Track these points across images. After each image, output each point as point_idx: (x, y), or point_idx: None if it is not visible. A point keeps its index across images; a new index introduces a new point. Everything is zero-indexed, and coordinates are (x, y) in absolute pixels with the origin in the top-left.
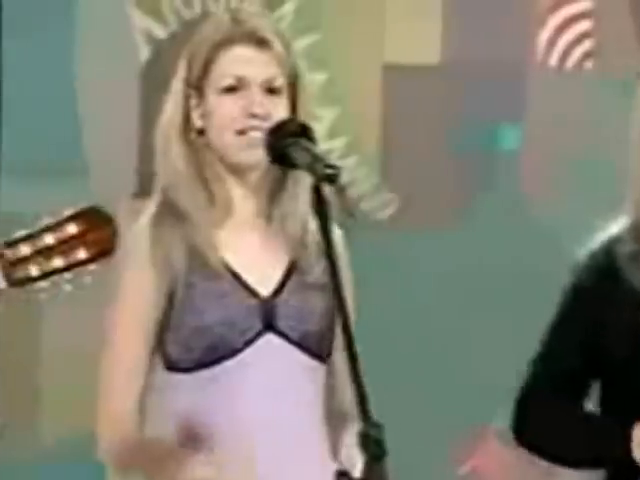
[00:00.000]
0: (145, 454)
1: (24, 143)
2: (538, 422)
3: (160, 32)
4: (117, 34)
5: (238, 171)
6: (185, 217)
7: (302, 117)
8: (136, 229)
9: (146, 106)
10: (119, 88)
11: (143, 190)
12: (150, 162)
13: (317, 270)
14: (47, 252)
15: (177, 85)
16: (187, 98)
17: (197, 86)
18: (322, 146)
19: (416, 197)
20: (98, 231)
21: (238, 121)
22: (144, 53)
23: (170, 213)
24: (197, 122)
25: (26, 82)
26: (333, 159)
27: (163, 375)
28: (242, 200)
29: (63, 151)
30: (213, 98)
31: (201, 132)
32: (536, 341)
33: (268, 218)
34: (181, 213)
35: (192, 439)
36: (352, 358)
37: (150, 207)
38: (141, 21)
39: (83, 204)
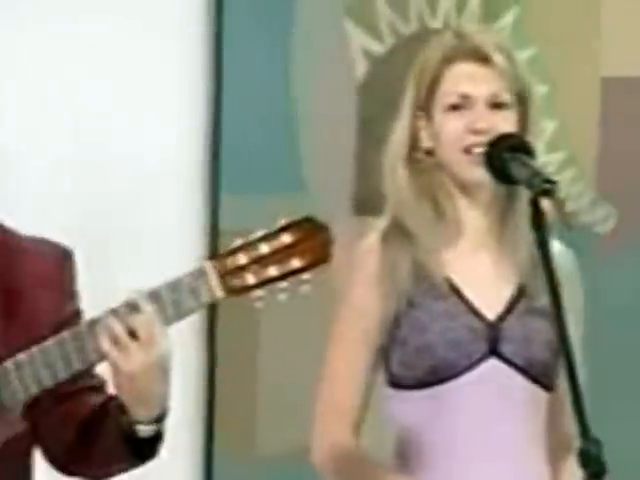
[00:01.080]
0: (357, 465)
1: (243, 161)
2: None
3: (377, 48)
4: (334, 50)
5: (468, 190)
6: (413, 236)
7: (532, 131)
8: (365, 246)
9: (364, 122)
10: (337, 104)
11: (361, 207)
12: (368, 179)
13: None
14: (262, 261)
15: (406, 106)
16: (415, 119)
17: (425, 106)
18: (541, 159)
19: (633, 211)
20: (312, 240)
21: (463, 138)
22: (361, 69)
23: (399, 232)
24: (426, 142)
25: (245, 100)
26: (551, 173)
27: (385, 390)
28: (473, 220)
29: (281, 168)
30: (439, 117)
31: (430, 152)
32: None
33: (499, 239)
34: (409, 232)
35: (404, 456)
36: (571, 374)
37: (380, 225)
38: (357, 36)
39: None
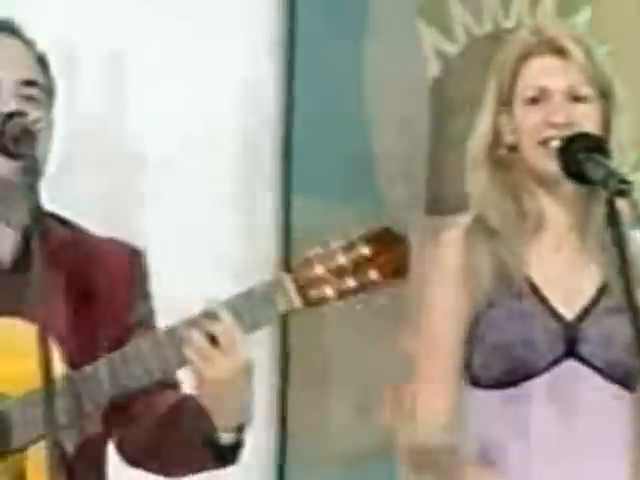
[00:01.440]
0: (443, 460)
1: (314, 161)
2: None
3: (449, 48)
4: (407, 50)
5: (550, 186)
6: (495, 233)
7: (614, 127)
8: (446, 240)
9: (436, 122)
10: (409, 104)
11: (434, 207)
12: (440, 178)
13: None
14: (340, 272)
15: (487, 103)
16: (498, 115)
17: (507, 102)
18: (615, 160)
19: None
20: (391, 252)
21: (540, 131)
22: (434, 69)
23: (481, 229)
24: (508, 138)
25: (317, 100)
26: (626, 173)
27: (467, 390)
28: (555, 217)
29: (353, 167)
30: (519, 111)
31: (513, 148)
32: None
33: (583, 237)
34: (491, 229)
35: (484, 454)
36: None
37: (462, 221)
38: (430, 37)
39: (373, 220)
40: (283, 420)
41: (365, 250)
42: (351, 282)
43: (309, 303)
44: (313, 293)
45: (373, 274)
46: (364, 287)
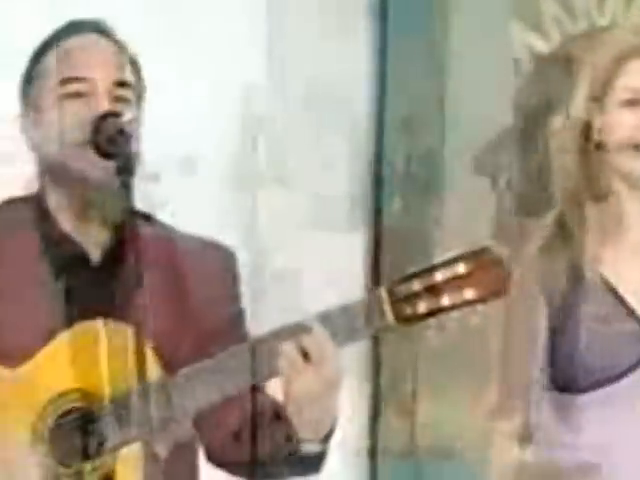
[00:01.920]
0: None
1: (406, 161)
2: None
3: (542, 46)
4: (497, 47)
5: (636, 187)
6: (573, 234)
7: None
8: (527, 251)
9: (524, 122)
10: (497, 102)
11: (522, 207)
12: (531, 179)
13: None
14: (435, 290)
15: (578, 99)
16: (589, 111)
17: (599, 100)
18: None
19: None
20: (488, 272)
21: (635, 134)
22: (525, 66)
23: (560, 230)
24: (598, 134)
25: (408, 101)
26: None
27: (544, 393)
28: (637, 218)
29: (444, 169)
30: (613, 111)
31: (600, 146)
32: None
33: None
34: (570, 230)
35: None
36: None
37: (544, 224)
38: (522, 35)
39: (454, 219)
40: (375, 415)
41: (462, 268)
42: (446, 300)
43: (402, 319)
44: (407, 309)
45: (468, 293)
46: (458, 306)
